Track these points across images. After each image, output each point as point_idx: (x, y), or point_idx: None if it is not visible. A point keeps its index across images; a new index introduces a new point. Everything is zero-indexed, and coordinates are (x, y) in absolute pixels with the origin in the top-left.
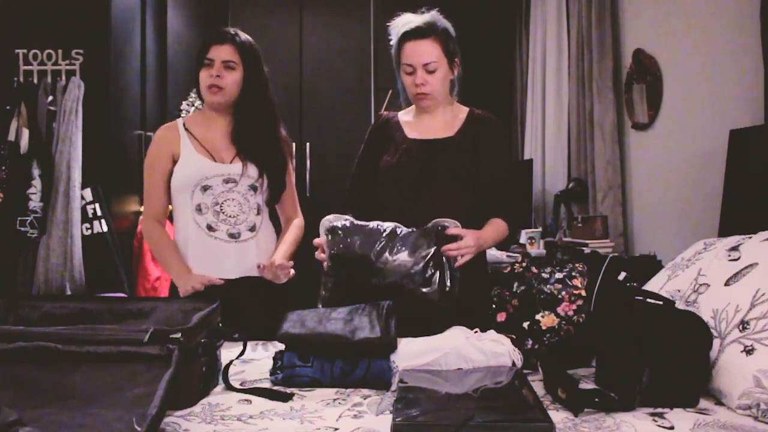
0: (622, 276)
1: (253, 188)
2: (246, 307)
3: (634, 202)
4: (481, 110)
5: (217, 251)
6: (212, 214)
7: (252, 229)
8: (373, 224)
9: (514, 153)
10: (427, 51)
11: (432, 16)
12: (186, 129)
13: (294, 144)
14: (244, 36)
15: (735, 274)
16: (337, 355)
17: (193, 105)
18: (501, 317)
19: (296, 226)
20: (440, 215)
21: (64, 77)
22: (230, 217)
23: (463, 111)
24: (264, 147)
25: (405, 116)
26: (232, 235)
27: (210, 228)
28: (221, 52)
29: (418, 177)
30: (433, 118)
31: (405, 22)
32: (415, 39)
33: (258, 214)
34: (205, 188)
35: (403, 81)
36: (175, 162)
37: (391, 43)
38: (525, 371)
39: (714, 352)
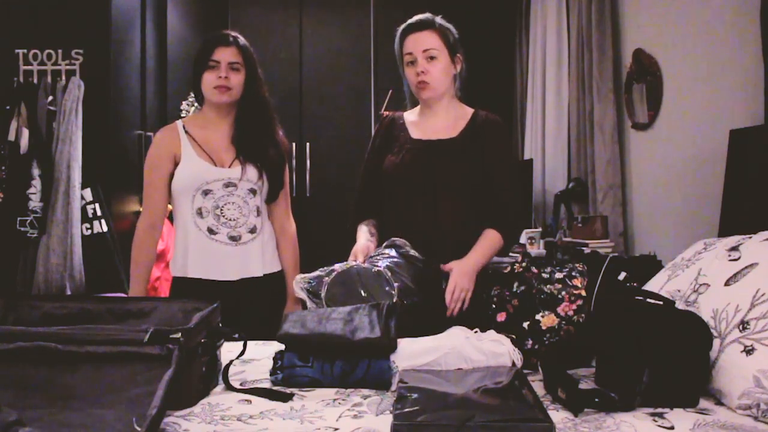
0: (622, 276)
1: (253, 191)
2: (246, 308)
3: (634, 202)
4: (486, 112)
5: (218, 254)
6: (213, 218)
7: (252, 231)
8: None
9: (514, 153)
10: (426, 39)
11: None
12: (186, 131)
13: (294, 144)
14: (243, 39)
15: (735, 274)
16: (337, 356)
17: (193, 105)
18: (501, 317)
19: (292, 251)
20: (442, 216)
21: (64, 77)
22: (230, 220)
23: (467, 112)
24: (263, 147)
25: (410, 116)
26: (232, 238)
27: (211, 231)
28: (227, 54)
29: (421, 177)
30: (437, 118)
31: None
32: (415, 31)
33: (258, 215)
34: (205, 192)
35: (406, 76)
36: (176, 164)
37: (395, 45)
38: (525, 371)
39: (714, 352)
